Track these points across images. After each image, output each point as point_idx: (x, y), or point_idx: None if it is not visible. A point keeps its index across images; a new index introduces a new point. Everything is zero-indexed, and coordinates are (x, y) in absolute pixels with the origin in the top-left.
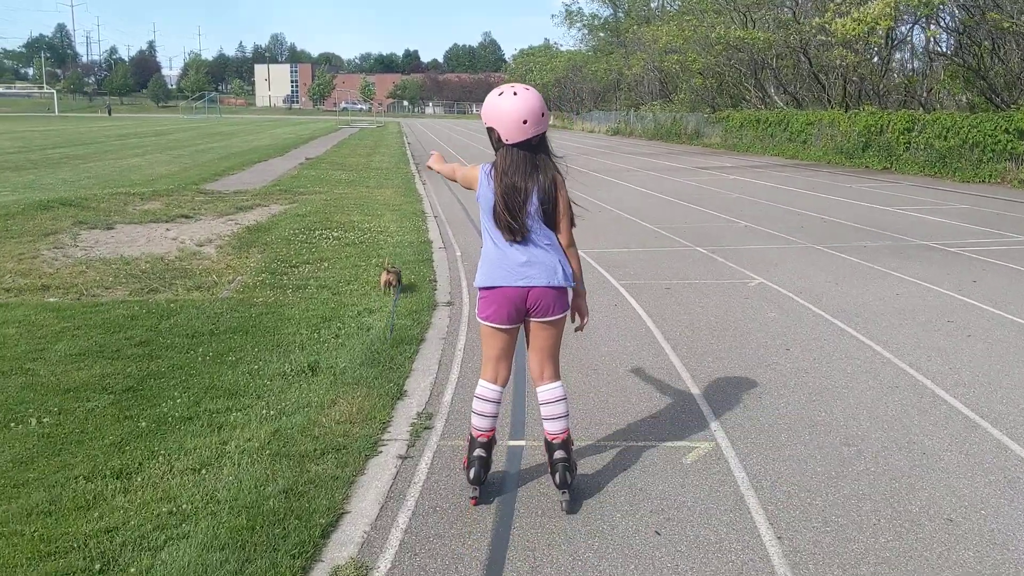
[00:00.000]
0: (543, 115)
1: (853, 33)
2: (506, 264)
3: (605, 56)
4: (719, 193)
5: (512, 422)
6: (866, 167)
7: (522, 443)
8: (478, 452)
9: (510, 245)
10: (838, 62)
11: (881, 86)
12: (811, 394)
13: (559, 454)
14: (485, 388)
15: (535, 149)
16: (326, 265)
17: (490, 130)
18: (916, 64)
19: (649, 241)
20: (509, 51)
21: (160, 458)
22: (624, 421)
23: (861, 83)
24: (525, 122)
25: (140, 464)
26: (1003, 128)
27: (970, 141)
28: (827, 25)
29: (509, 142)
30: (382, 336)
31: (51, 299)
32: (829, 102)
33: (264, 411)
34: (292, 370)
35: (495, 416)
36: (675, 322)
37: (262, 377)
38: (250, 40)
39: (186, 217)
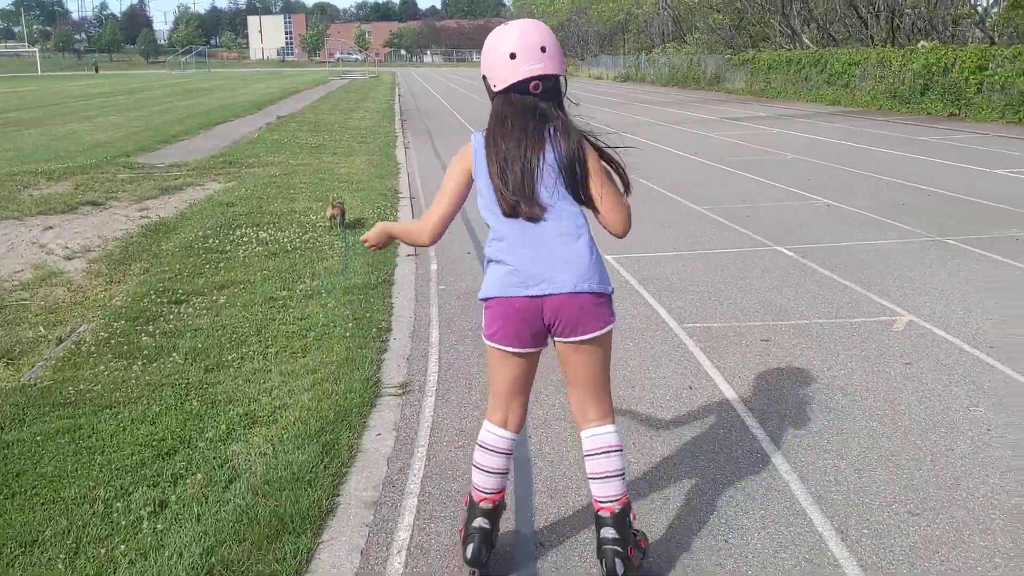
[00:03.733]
0: (544, 50)
1: None
2: (513, 263)
3: None
4: (768, 152)
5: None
6: (927, 113)
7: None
8: (479, 522)
9: (518, 233)
10: None
11: (934, 17)
12: None
13: (608, 532)
14: (492, 434)
15: (541, 99)
16: (224, 299)
17: (484, 81)
18: None
19: (703, 235)
20: None
21: None
22: None
23: (913, 13)
24: (514, 56)
25: None
26: None
27: None
28: None
29: (497, 88)
30: (249, 503)
31: None
32: (871, 39)
33: None
34: None
35: (505, 473)
36: (807, 434)
37: None
38: None
39: (94, 204)
